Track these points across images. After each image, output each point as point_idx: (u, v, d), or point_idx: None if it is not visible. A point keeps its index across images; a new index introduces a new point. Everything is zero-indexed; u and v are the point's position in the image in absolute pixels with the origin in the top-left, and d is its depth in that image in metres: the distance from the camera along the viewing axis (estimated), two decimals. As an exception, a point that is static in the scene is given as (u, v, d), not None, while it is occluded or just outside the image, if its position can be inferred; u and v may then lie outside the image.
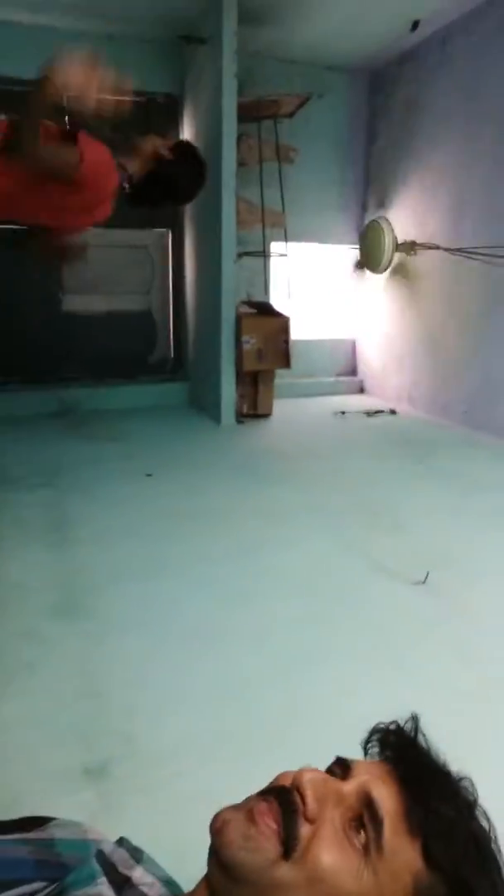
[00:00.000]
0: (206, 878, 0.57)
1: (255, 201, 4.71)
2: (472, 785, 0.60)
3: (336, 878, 0.52)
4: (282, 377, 5.08)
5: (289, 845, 0.52)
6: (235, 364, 4.44)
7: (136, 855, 0.64)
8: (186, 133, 4.77)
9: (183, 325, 5.33)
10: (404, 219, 4.84)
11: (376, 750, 0.64)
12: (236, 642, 1.78)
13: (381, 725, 0.65)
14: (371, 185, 5.32)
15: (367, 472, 3.51)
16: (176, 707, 1.48)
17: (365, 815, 0.54)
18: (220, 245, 4.23)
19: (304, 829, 0.53)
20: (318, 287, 5.63)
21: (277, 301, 4.92)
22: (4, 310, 4.86)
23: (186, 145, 2.47)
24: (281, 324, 4.49)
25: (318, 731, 1.34)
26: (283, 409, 4.95)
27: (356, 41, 4.53)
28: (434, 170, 4.50)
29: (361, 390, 5.76)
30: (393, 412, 4.88)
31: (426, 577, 2.13)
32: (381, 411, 4.88)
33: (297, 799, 0.55)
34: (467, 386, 4.37)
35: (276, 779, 0.60)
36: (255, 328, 4.39)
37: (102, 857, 0.61)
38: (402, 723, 0.65)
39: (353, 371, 5.89)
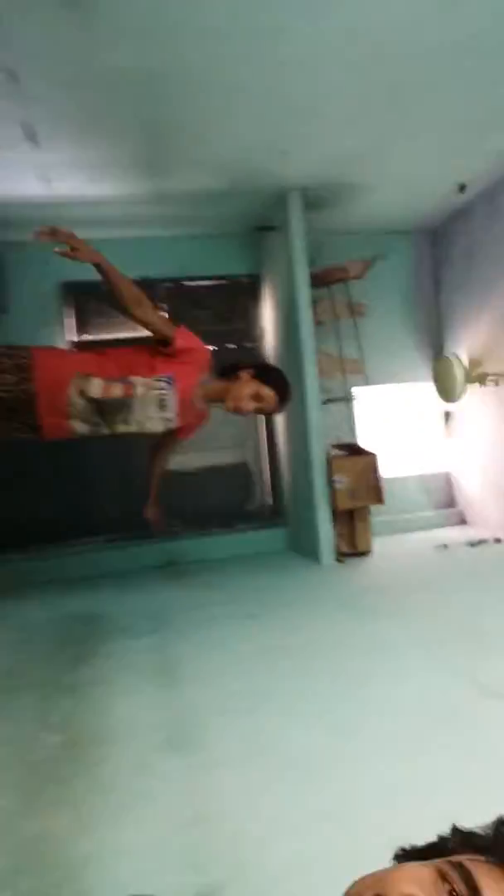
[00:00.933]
0: None
1: (334, 353, 5.10)
2: None
3: None
4: (380, 515, 5.13)
5: None
6: (330, 504, 4.57)
7: None
8: (267, 305, 5.34)
9: (278, 473, 5.58)
10: (476, 353, 5.04)
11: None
12: (342, 771, 1.74)
13: (502, 818, 0.60)
14: (442, 326, 5.63)
15: (473, 601, 3.39)
16: (284, 834, 1.45)
17: None
18: (304, 395, 4.56)
19: None
20: (405, 424, 5.79)
21: (365, 441, 5.11)
22: (113, 470, 5.32)
23: (277, 384, 2.29)
24: (369, 461, 4.64)
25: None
26: (383, 546, 4.94)
27: (410, 207, 5.07)
28: (497, 308, 4.76)
29: (463, 521, 5.66)
30: (498, 541, 4.74)
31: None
32: (485, 541, 4.76)
33: None
34: None
35: (397, 885, 0.54)
36: (344, 468, 4.56)
37: None
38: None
39: (451, 503, 5.84)
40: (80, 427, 2.02)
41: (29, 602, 4.20)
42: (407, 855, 0.62)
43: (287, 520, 5.43)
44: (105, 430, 2.06)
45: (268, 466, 5.68)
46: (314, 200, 4.60)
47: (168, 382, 2.09)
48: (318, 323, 4.99)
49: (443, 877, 0.53)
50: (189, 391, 2.13)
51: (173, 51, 2.85)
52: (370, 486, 4.60)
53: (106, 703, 2.36)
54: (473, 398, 5.17)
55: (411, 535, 5.40)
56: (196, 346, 2.17)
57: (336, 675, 2.47)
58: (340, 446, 4.91)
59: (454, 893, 0.52)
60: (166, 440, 2.35)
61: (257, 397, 2.13)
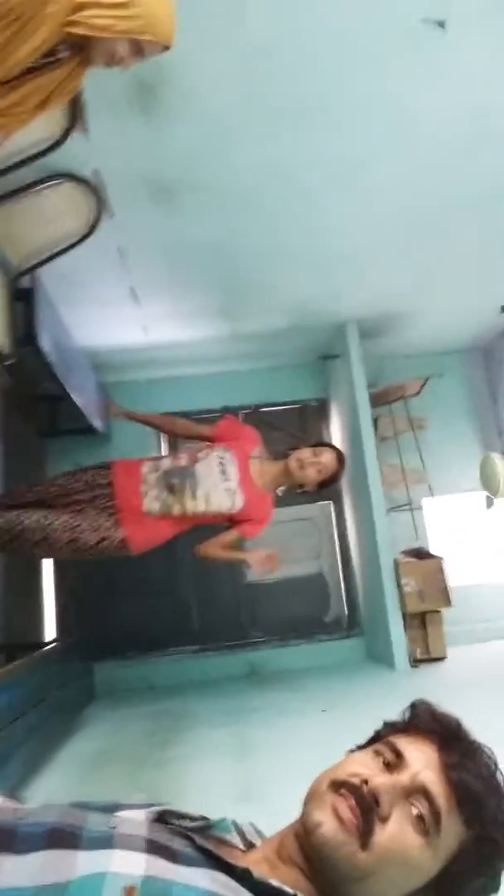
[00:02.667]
0: (285, 838, 0.70)
1: (397, 465, 5.46)
2: (492, 752, 0.74)
3: (403, 860, 0.66)
4: (458, 623, 5.20)
5: (366, 839, 0.65)
6: (400, 607, 4.73)
7: (261, 835, 0.78)
8: (335, 424, 5.85)
9: (353, 584, 5.78)
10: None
11: (416, 721, 0.77)
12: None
13: (417, 701, 0.81)
14: (502, 434, 5.92)
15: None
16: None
17: (423, 806, 0.67)
18: (371, 505, 4.90)
19: (378, 827, 0.65)
20: (477, 532, 5.94)
21: (434, 548, 5.31)
22: (199, 586, 5.71)
23: (332, 477, 2.51)
24: (436, 565, 4.83)
25: None
26: (461, 653, 4.97)
27: (459, 329, 5.59)
28: None
29: (544, 629, 5.59)
30: None
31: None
32: None
33: (373, 801, 0.66)
34: None
35: (342, 768, 0.72)
36: (412, 571, 4.77)
37: (236, 824, 0.76)
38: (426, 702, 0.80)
39: (530, 610, 5.80)
40: (151, 505, 2.26)
41: (124, 703, 4.51)
42: (353, 751, 0.80)
43: (363, 629, 5.56)
44: (176, 508, 2.27)
45: (342, 576, 5.91)
46: (370, 330, 5.20)
47: (225, 449, 2.39)
48: (382, 438, 5.42)
49: (377, 753, 0.73)
50: (245, 459, 2.36)
51: (240, 227, 3.61)
52: (438, 589, 4.75)
53: (187, 771, 2.63)
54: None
55: (491, 643, 5.37)
56: (238, 427, 2.52)
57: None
58: (408, 552, 5.13)
59: (386, 762, 0.72)
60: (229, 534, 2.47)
61: (315, 462, 2.35)
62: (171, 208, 3.35)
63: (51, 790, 2.50)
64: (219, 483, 2.32)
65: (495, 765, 0.73)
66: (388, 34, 2.40)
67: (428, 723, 0.76)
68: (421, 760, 0.71)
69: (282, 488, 2.47)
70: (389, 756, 0.72)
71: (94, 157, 2.86)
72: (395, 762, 0.71)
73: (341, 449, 2.65)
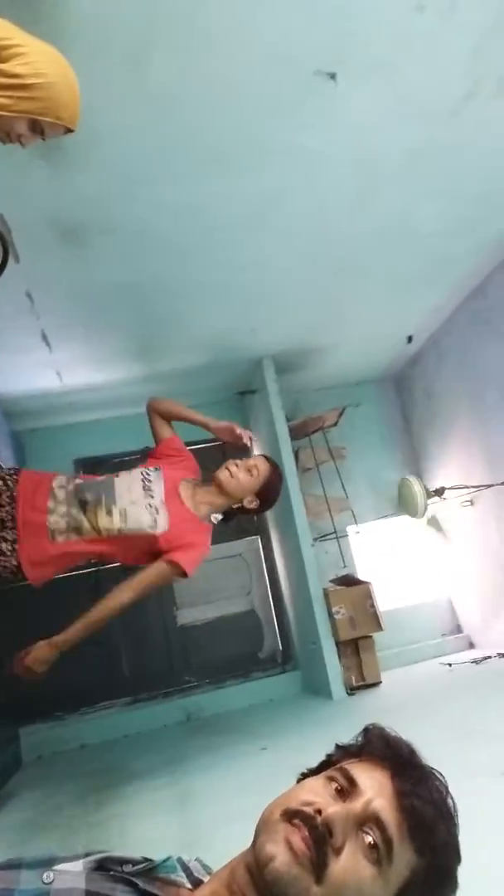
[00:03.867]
0: (235, 870, 0.69)
1: (320, 494, 5.55)
2: (440, 774, 0.75)
3: (357, 891, 0.65)
4: (389, 648, 5.27)
5: (321, 873, 0.63)
6: (333, 636, 4.76)
7: (208, 870, 0.77)
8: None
9: (285, 617, 5.77)
10: (450, 473, 5.52)
11: (368, 746, 0.77)
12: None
13: (370, 726, 0.80)
14: (418, 459, 6.16)
15: (468, 708, 3.53)
16: None
17: (375, 835, 0.67)
18: (297, 536, 4.94)
19: (332, 859, 0.64)
20: (401, 554, 6.09)
21: (361, 574, 5.39)
22: (129, 633, 5.54)
23: (268, 483, 2.17)
24: (364, 590, 4.90)
25: None
26: (393, 676, 5.03)
27: (371, 359, 5.81)
28: (459, 436, 5.33)
29: (471, 645, 5.75)
30: (502, 655, 4.86)
31: None
32: (489, 657, 4.88)
33: (326, 832, 0.65)
34: None
35: (294, 797, 0.71)
36: (342, 598, 4.82)
37: (181, 862, 0.76)
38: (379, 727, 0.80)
39: (457, 629, 5.96)
40: (57, 524, 1.89)
41: (54, 767, 4.27)
42: (305, 776, 0.80)
43: (298, 662, 5.54)
44: (85, 526, 1.89)
45: (274, 611, 5.89)
46: (285, 364, 5.31)
47: (155, 470, 2.07)
48: (304, 470, 5.51)
49: (330, 779, 0.72)
50: (175, 480, 2.05)
51: (152, 267, 3.62)
52: (368, 615, 4.82)
53: (127, 829, 2.51)
54: (455, 522, 5.54)
55: (421, 664, 5.47)
56: (182, 448, 2.26)
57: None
58: (336, 580, 5.19)
59: (339, 789, 0.71)
60: (157, 568, 1.97)
61: (245, 464, 2.09)
62: (79, 251, 3.34)
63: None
64: (140, 499, 1.96)
65: (446, 790, 0.73)
66: (285, 84, 2.52)
67: (381, 749, 0.76)
68: (373, 788, 0.70)
69: (216, 516, 2.11)
70: (342, 782, 0.71)
71: (-2, 202, 2.82)
72: (347, 789, 0.70)
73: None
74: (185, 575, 1.98)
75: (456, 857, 0.71)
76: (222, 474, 2.11)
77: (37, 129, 1.48)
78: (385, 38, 2.39)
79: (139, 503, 1.96)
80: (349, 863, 0.65)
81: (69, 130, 1.54)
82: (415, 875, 0.67)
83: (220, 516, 2.16)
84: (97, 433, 5.63)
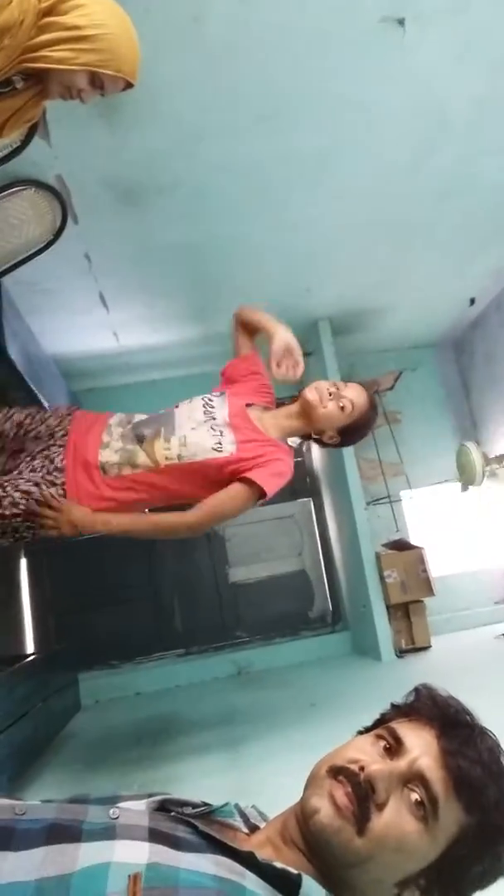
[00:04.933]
0: (287, 821, 0.71)
1: (374, 459, 5.51)
2: (494, 736, 0.74)
3: (400, 845, 0.66)
4: (439, 613, 5.26)
5: (363, 826, 0.65)
6: (384, 599, 4.77)
7: (265, 817, 0.79)
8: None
9: (335, 578, 5.82)
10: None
11: (417, 706, 0.78)
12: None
13: (420, 686, 0.81)
14: (476, 426, 6.00)
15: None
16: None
17: (421, 793, 0.67)
18: (350, 499, 4.93)
19: (374, 813, 0.66)
20: (455, 520, 6.01)
21: (414, 539, 5.36)
22: (182, 589, 5.70)
23: (357, 423, 1.86)
24: (417, 555, 4.88)
25: None
26: (444, 641, 5.02)
27: (430, 322, 5.65)
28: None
29: (524, 614, 5.67)
30: None
31: None
32: (543, 627, 4.81)
33: (369, 788, 0.67)
34: None
35: (341, 754, 0.72)
36: (393, 563, 4.81)
37: (238, 808, 0.78)
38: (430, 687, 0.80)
39: (510, 596, 5.88)
40: (109, 458, 1.70)
41: (110, 712, 4.49)
42: (361, 734, 0.80)
43: (348, 623, 5.60)
44: (140, 458, 1.69)
45: (324, 572, 5.94)
46: (342, 326, 5.23)
47: (219, 395, 1.84)
48: (357, 433, 5.46)
49: (378, 738, 0.73)
50: (242, 404, 1.81)
51: (208, 228, 3.60)
52: (420, 580, 4.81)
53: (177, 773, 2.63)
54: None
55: (473, 630, 5.44)
56: (258, 373, 1.96)
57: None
58: (389, 544, 5.18)
59: (386, 747, 0.72)
60: (231, 491, 1.70)
61: (338, 394, 1.78)
62: (136, 212, 3.34)
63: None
64: (200, 424, 1.74)
65: (498, 749, 0.72)
66: (348, 34, 2.42)
67: (429, 708, 0.77)
68: (420, 747, 0.70)
69: (294, 438, 1.86)
70: (390, 741, 0.72)
71: (57, 164, 2.84)
72: (394, 747, 0.72)
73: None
74: (264, 496, 1.69)
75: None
76: (311, 395, 1.79)
77: (97, 83, 1.47)
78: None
79: (200, 428, 1.73)
80: (392, 818, 0.66)
81: (129, 85, 1.51)
82: (464, 832, 0.68)
83: (297, 440, 1.93)
84: (152, 394, 5.69)
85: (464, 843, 0.68)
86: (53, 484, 1.70)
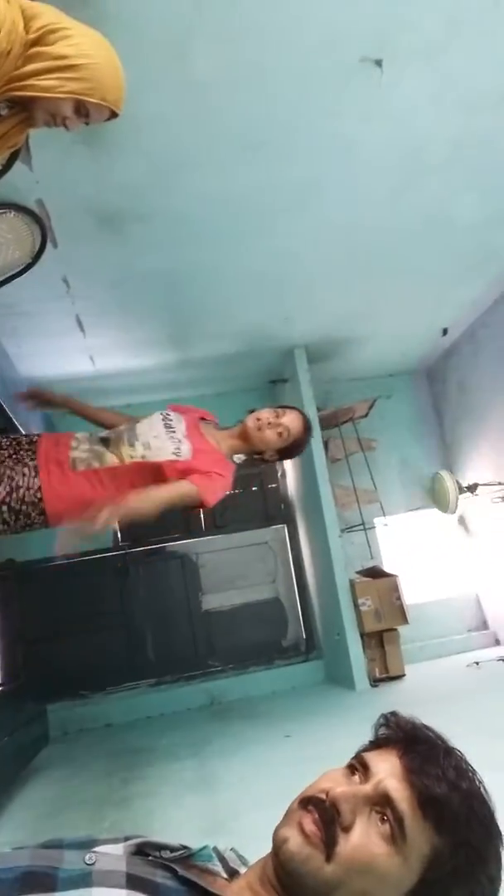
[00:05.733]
0: (266, 864, 0.71)
1: (349, 486, 5.53)
2: (461, 754, 0.74)
3: (369, 868, 0.65)
4: (412, 641, 5.26)
5: (330, 851, 0.65)
6: (358, 627, 4.76)
7: (244, 861, 0.78)
8: (286, 447, 5.88)
9: (309, 606, 5.78)
10: (482, 469, 5.45)
11: (384, 733, 0.78)
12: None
13: (385, 714, 0.81)
14: (448, 453, 6.09)
15: (490, 707, 3.50)
16: None
17: (388, 813, 0.67)
18: (324, 526, 4.93)
19: (342, 837, 0.66)
20: (427, 549, 6.05)
21: (388, 566, 5.37)
22: (154, 617, 5.61)
23: (293, 445, 2.11)
24: (391, 583, 4.89)
25: None
26: (417, 670, 5.02)
27: (405, 351, 5.75)
28: (492, 430, 5.25)
29: (497, 642, 5.70)
30: (528, 654, 4.82)
31: None
32: (516, 655, 4.84)
33: (334, 812, 0.67)
34: None
35: (313, 786, 0.73)
36: (368, 590, 4.81)
37: (217, 851, 0.76)
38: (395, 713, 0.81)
39: (483, 624, 5.91)
40: (79, 455, 1.91)
41: (80, 744, 4.37)
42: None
43: (322, 651, 5.56)
44: (108, 457, 1.91)
45: (298, 599, 5.90)
46: (318, 354, 5.28)
47: (175, 413, 2.08)
48: (333, 460, 5.49)
49: (350, 769, 0.75)
50: (195, 421, 2.05)
51: (187, 255, 3.62)
52: (394, 608, 4.81)
53: (151, 809, 2.56)
54: (486, 517, 5.47)
55: (445, 658, 5.45)
56: (190, 407, 2.21)
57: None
58: (363, 572, 5.18)
59: (358, 777, 0.73)
60: (180, 484, 1.89)
61: (276, 423, 2.02)
62: (117, 238, 3.35)
63: (5, 842, 2.39)
64: (162, 433, 1.96)
65: (466, 765, 0.72)
66: (328, 73, 2.49)
67: (392, 732, 0.78)
68: (384, 769, 0.71)
69: (239, 456, 2.09)
70: (359, 769, 0.73)
71: (38, 188, 2.84)
72: (363, 775, 0.72)
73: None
74: (202, 505, 1.90)
75: (487, 836, 0.68)
76: (251, 422, 2.06)
77: (82, 111, 1.48)
78: (434, 23, 2.34)
79: (161, 436, 1.95)
80: (360, 840, 0.66)
81: (114, 115, 1.54)
82: (438, 853, 0.66)
83: (242, 457, 2.13)
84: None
85: (439, 866, 0.66)
86: (25, 471, 1.89)
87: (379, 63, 2.46)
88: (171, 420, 2.02)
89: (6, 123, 1.51)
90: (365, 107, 2.70)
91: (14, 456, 1.93)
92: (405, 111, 2.76)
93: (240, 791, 2.59)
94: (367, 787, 0.69)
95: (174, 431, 1.97)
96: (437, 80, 2.62)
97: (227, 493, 1.99)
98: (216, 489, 1.92)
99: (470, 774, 0.71)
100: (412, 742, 0.74)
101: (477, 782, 0.71)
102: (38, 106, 1.47)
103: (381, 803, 0.68)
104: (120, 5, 2.05)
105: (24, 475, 1.87)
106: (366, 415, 5.58)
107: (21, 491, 1.84)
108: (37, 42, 1.39)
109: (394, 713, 0.81)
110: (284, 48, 2.34)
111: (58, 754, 4.12)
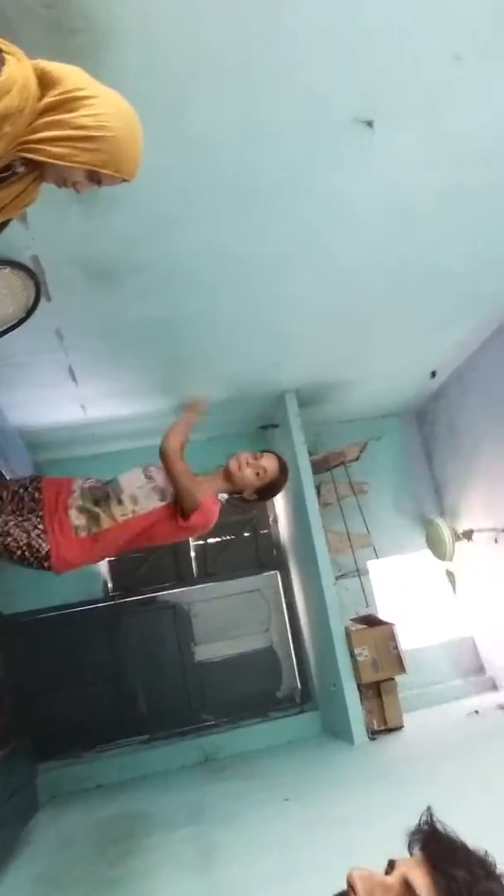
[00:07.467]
0: None
1: (342, 531, 5.48)
2: (488, 853, 0.79)
3: None
4: (410, 689, 5.14)
5: None
6: (355, 678, 4.64)
7: None
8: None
9: (304, 654, 5.66)
10: (473, 509, 5.43)
11: (415, 844, 0.83)
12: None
13: (415, 825, 0.86)
14: (439, 495, 6.07)
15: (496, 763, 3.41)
16: None
17: None
18: (318, 573, 4.86)
19: None
20: (422, 593, 5.98)
21: (383, 612, 5.28)
22: (145, 670, 5.45)
23: (271, 485, 2.32)
24: (387, 631, 4.80)
25: None
26: (416, 719, 4.90)
27: (394, 394, 5.78)
28: (482, 471, 5.26)
29: (494, 686, 5.60)
30: (529, 701, 4.72)
31: None
32: (516, 702, 4.74)
33: (350, 892, 0.75)
34: None
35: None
36: (364, 639, 4.71)
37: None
38: (427, 817, 0.87)
39: (480, 669, 5.82)
40: (77, 521, 2.09)
41: (70, 809, 4.17)
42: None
43: (317, 702, 5.42)
44: (104, 521, 2.09)
45: (293, 648, 5.78)
46: (308, 398, 5.29)
47: (155, 465, 2.24)
48: (325, 505, 5.45)
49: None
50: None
51: (179, 305, 3.63)
52: (391, 657, 4.71)
53: (149, 890, 2.42)
54: (479, 559, 5.43)
55: (443, 706, 5.32)
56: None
57: (373, 845, 2.51)
58: (359, 620, 5.09)
59: (386, 871, 0.81)
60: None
61: (255, 464, 2.20)
62: (109, 290, 3.34)
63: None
64: (144, 484, 2.16)
65: (488, 858, 0.78)
66: (321, 132, 2.53)
67: (418, 835, 0.84)
68: (407, 863, 0.79)
69: (223, 494, 2.28)
70: (388, 869, 0.81)
71: (33, 245, 2.84)
72: (389, 871, 0.80)
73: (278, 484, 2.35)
74: (198, 516, 2.15)
75: None
76: (232, 464, 2.24)
77: (94, 178, 1.46)
78: (422, 86, 2.40)
79: (145, 487, 2.16)
80: None
81: (125, 181, 1.52)
82: None
83: (225, 496, 2.31)
84: (119, 463, 5.53)
85: None
86: (35, 527, 2.07)
87: (370, 123, 2.50)
88: (150, 473, 2.21)
89: (23, 181, 1.49)
90: (357, 162, 2.74)
91: (17, 512, 2.11)
92: (396, 166, 2.81)
93: (244, 865, 2.46)
94: (390, 879, 0.76)
95: (155, 482, 2.18)
96: (425, 139, 2.67)
97: (215, 523, 2.25)
98: (212, 510, 2.21)
99: (490, 868, 0.77)
100: (434, 838, 0.81)
101: (497, 873, 0.76)
102: (48, 170, 1.45)
103: (403, 893, 0.74)
104: (120, 70, 2.07)
105: (28, 533, 2.05)
106: (357, 458, 5.57)
107: (32, 550, 2.04)
108: (58, 107, 1.36)
109: (422, 820, 0.86)
110: (279, 109, 2.37)
111: (47, 824, 3.93)
